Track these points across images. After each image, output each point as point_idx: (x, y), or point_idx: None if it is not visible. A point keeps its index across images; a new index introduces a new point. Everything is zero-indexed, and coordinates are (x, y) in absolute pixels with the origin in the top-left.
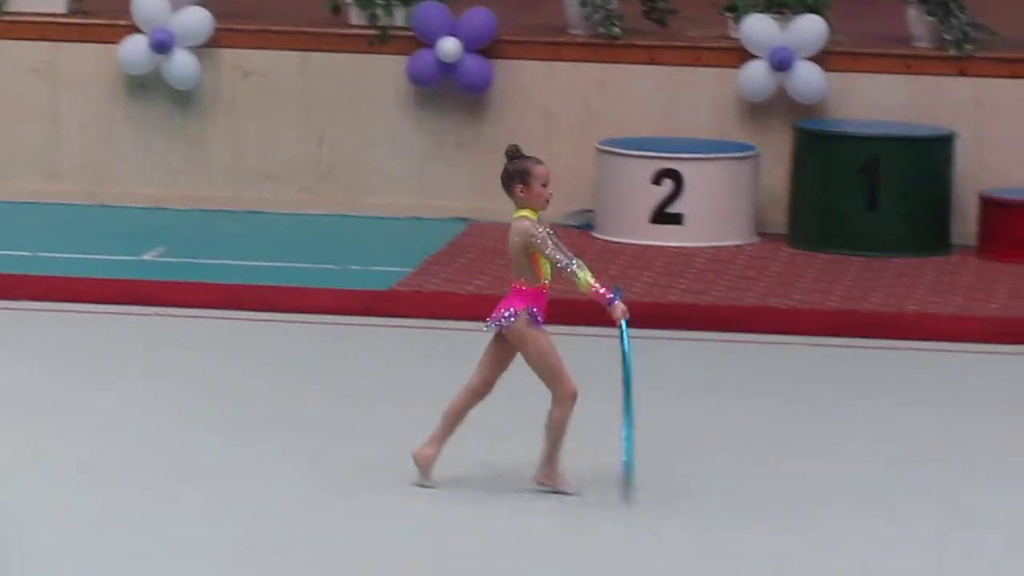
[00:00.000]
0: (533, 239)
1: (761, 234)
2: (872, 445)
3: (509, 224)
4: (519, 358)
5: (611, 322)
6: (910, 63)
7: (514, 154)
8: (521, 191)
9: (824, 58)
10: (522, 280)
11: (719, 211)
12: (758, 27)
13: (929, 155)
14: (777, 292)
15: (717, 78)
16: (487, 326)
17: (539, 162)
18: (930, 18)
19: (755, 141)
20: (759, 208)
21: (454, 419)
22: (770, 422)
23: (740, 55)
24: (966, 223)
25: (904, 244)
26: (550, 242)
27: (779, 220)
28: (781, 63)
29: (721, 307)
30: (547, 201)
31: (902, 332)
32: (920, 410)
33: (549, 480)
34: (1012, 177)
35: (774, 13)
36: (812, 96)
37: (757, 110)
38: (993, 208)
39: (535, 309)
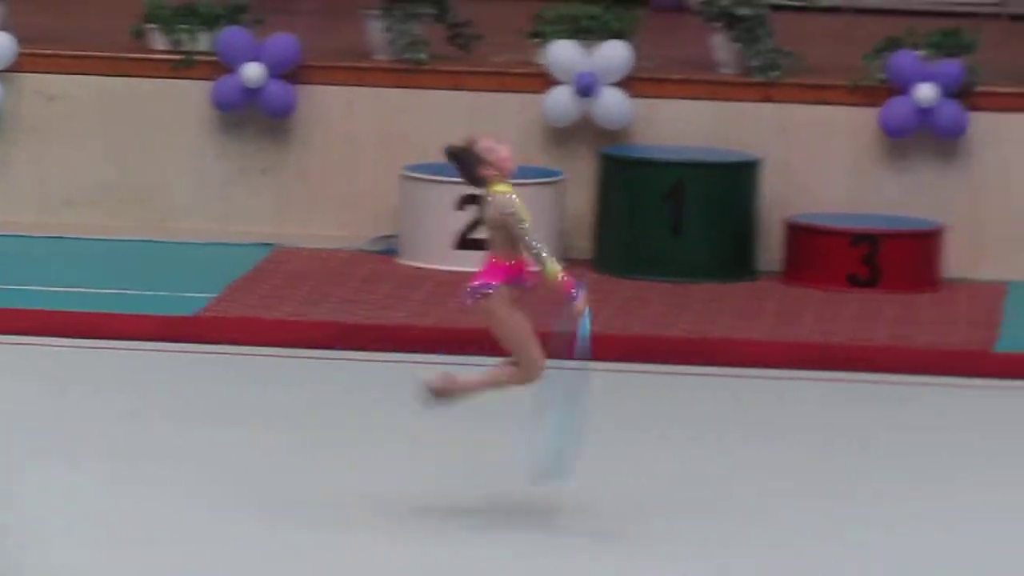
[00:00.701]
0: (510, 214)
1: (566, 260)
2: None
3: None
4: None
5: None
6: (715, 89)
7: (454, 152)
8: (486, 171)
9: (629, 84)
10: (498, 253)
11: None
12: (563, 53)
13: (734, 181)
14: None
15: (522, 104)
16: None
17: (475, 140)
18: (736, 44)
19: (561, 167)
20: (564, 234)
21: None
22: None
23: (545, 81)
24: (772, 249)
25: (710, 270)
26: (527, 221)
27: (584, 246)
28: (586, 89)
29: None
30: (510, 160)
31: (708, 358)
32: (721, 436)
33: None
34: (818, 203)
35: (579, 39)
36: (617, 122)
37: (562, 136)
38: (799, 234)
39: (507, 282)
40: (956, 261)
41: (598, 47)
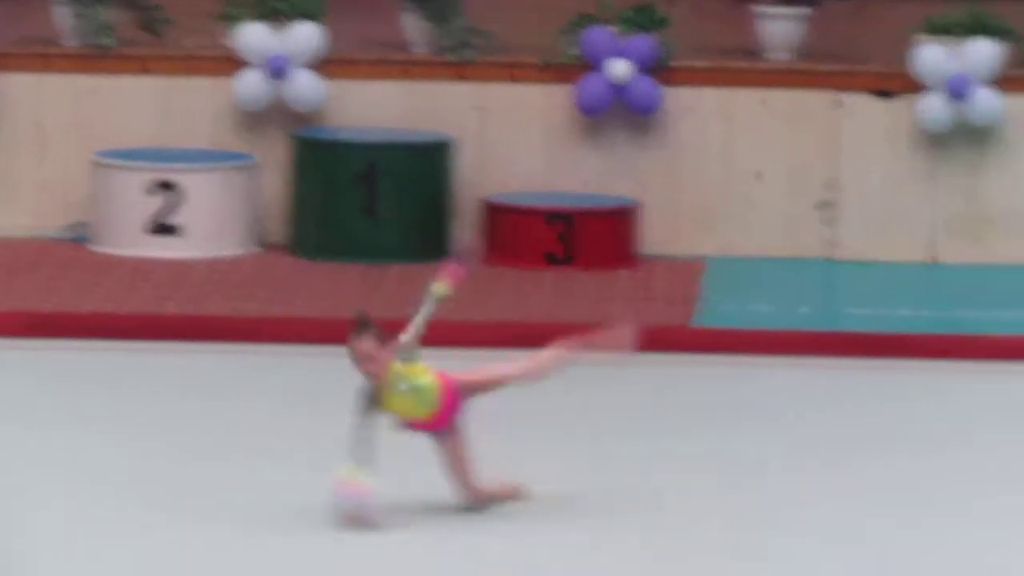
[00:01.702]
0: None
1: (261, 244)
2: None
3: None
4: None
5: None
6: (408, 69)
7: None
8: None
9: (321, 65)
10: None
11: (217, 221)
12: (253, 35)
13: (428, 162)
14: (279, 301)
15: (213, 87)
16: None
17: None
18: (427, 23)
19: (253, 150)
20: (259, 218)
21: None
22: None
23: (236, 64)
24: (468, 229)
25: (404, 251)
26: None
27: (279, 230)
28: (277, 71)
29: (221, 317)
30: (369, 364)
31: None
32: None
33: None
34: (513, 182)
35: (270, 21)
36: (309, 104)
37: (254, 119)
38: (494, 213)
39: None
40: (653, 237)
41: (288, 29)
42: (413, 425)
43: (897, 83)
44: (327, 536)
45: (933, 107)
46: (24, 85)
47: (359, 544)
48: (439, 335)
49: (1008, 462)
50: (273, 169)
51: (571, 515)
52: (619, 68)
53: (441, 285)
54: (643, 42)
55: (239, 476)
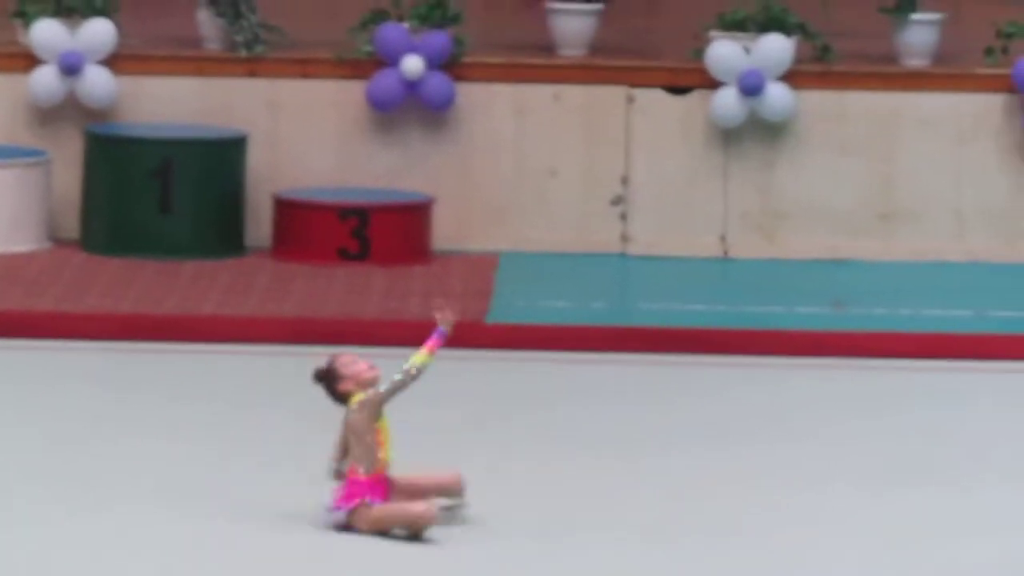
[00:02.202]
0: (373, 400)
1: (54, 240)
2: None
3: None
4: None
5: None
6: (201, 65)
7: (318, 375)
8: (345, 386)
9: (114, 61)
10: (357, 467)
11: (10, 217)
12: (47, 32)
13: (221, 157)
14: (71, 297)
15: (7, 84)
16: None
17: (334, 359)
18: (220, 20)
19: (47, 146)
20: (51, 214)
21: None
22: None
23: (29, 60)
24: (262, 225)
25: (198, 247)
26: (382, 388)
27: (72, 226)
28: (70, 68)
29: (14, 313)
30: (367, 372)
31: (197, 335)
32: (216, 412)
33: None
34: (307, 177)
35: (63, 17)
36: (102, 100)
37: (48, 115)
38: (286, 209)
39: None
40: (447, 233)
41: (82, 25)
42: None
43: (690, 78)
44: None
45: (726, 102)
46: None
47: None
48: (233, 330)
49: (800, 456)
50: (67, 165)
51: None
52: (412, 64)
53: (423, 356)
54: (436, 38)
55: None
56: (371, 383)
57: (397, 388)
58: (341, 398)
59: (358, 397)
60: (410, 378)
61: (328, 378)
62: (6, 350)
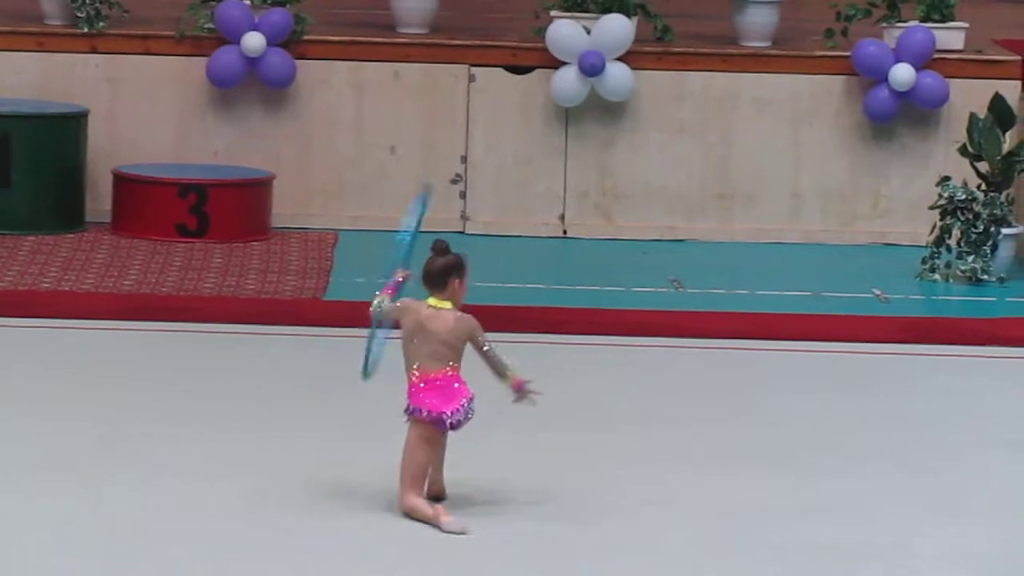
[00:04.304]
0: (478, 330)
1: None
2: None
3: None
4: None
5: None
6: (42, 40)
7: (444, 249)
8: (458, 285)
9: None
10: (449, 365)
11: None
12: None
13: (61, 132)
14: None
15: None
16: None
17: (465, 260)
18: None
19: None
20: None
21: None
22: None
23: None
24: (102, 200)
25: (38, 222)
26: (487, 343)
27: None
28: None
29: None
30: (462, 296)
31: (36, 310)
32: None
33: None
34: (144, 153)
35: None
36: None
37: None
38: (125, 185)
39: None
40: (286, 210)
41: None
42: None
43: (530, 58)
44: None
45: (566, 82)
46: None
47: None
48: (71, 306)
49: (639, 437)
50: None
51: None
52: (252, 41)
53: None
54: (276, 15)
55: None
56: (460, 303)
57: (487, 356)
58: (439, 282)
59: (449, 306)
60: (492, 362)
61: (455, 265)
62: None
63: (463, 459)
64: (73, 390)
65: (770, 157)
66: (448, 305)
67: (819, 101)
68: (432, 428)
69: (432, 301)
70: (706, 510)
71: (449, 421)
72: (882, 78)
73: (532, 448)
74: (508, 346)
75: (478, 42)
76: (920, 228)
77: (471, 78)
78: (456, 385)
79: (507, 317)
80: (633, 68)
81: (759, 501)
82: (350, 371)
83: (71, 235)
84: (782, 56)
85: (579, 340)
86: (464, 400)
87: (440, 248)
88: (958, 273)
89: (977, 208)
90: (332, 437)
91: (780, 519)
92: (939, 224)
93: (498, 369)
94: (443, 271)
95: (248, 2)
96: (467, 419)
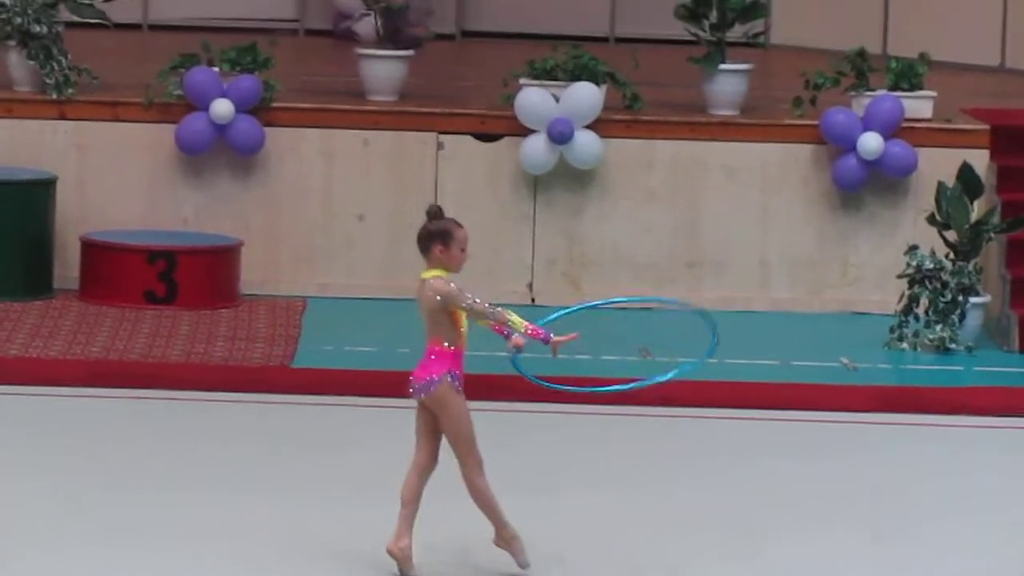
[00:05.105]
0: (453, 296)
1: None
2: None
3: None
4: None
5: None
6: (11, 107)
7: (436, 214)
8: (440, 252)
9: None
10: (440, 340)
11: None
12: None
13: (29, 199)
14: None
15: None
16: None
17: (460, 225)
18: (31, 62)
19: None
20: None
21: (413, 502)
22: None
23: None
24: (70, 267)
25: (5, 288)
26: (467, 295)
27: None
28: None
29: None
30: (461, 265)
31: (4, 377)
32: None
33: (504, 544)
34: (112, 220)
35: None
36: None
37: None
38: (93, 251)
39: (455, 372)
40: (254, 277)
41: None
42: None
43: (499, 125)
44: None
45: (534, 149)
46: None
47: None
48: (34, 373)
49: (606, 503)
50: None
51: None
52: (221, 108)
53: (517, 320)
54: (245, 82)
55: None
56: (456, 270)
57: (473, 310)
58: (424, 249)
59: (438, 273)
60: (489, 315)
61: (440, 231)
62: None
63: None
64: (37, 454)
65: (739, 225)
66: (436, 274)
67: (787, 169)
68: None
69: (424, 272)
70: (663, 572)
71: (410, 387)
72: (850, 147)
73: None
74: (475, 414)
75: (447, 109)
76: (889, 297)
77: (439, 145)
78: (432, 357)
79: (476, 384)
80: (602, 136)
81: (715, 565)
82: (318, 437)
83: (39, 301)
84: (751, 124)
85: (544, 408)
86: (430, 375)
87: (431, 212)
88: (926, 342)
89: (945, 277)
90: (298, 500)
91: None
92: (907, 293)
93: (495, 321)
94: (426, 236)
95: (217, 69)
96: (422, 394)
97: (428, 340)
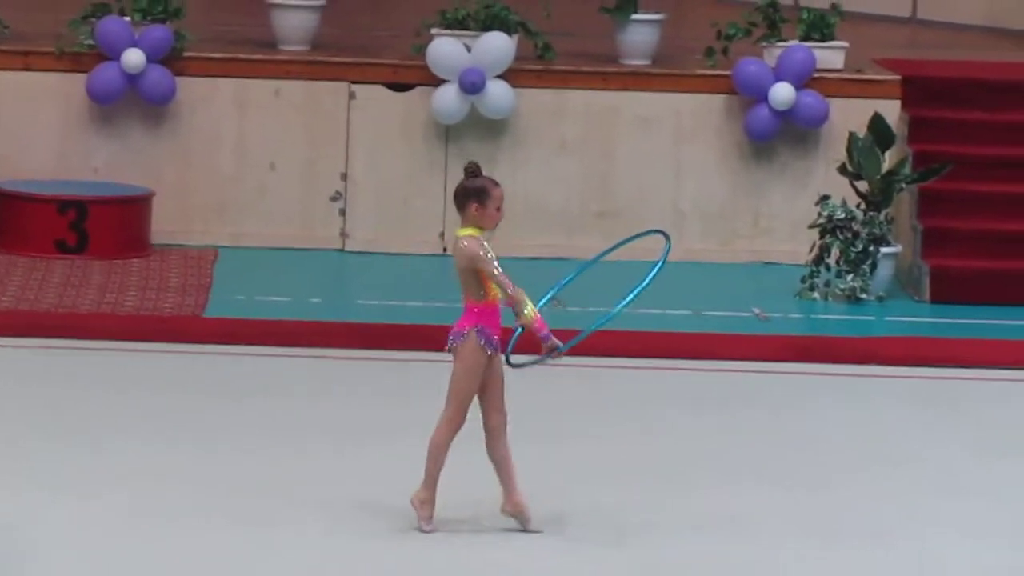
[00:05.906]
0: (481, 261)
1: None
2: None
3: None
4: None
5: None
6: None
7: (474, 171)
8: (476, 210)
9: None
10: (472, 296)
11: None
12: None
13: None
14: None
15: None
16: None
17: (496, 184)
18: None
19: None
20: None
21: (503, 462)
22: None
23: None
24: None
25: None
26: (496, 263)
27: None
28: None
29: None
30: (496, 224)
31: None
32: None
33: (418, 505)
34: (23, 170)
35: None
36: None
37: None
38: (4, 201)
39: (486, 327)
40: (167, 227)
41: None
42: None
43: (411, 75)
44: None
45: (446, 99)
46: None
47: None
48: None
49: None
50: None
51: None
52: (132, 58)
53: (529, 308)
54: (157, 32)
55: None
56: (491, 228)
57: (495, 279)
58: (461, 206)
59: (471, 231)
60: (508, 291)
61: (477, 188)
62: None
63: (344, 473)
64: None
65: (651, 175)
66: (470, 232)
67: (700, 120)
68: None
69: (458, 229)
70: (579, 526)
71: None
72: (762, 97)
73: (408, 456)
74: (385, 364)
75: (359, 59)
76: (800, 247)
77: (351, 95)
78: (466, 313)
79: (386, 333)
80: (514, 86)
81: (634, 515)
82: (231, 386)
83: None
84: (663, 75)
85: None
86: (461, 328)
87: (469, 170)
88: (837, 292)
89: (856, 227)
90: (214, 448)
91: (652, 532)
92: (818, 243)
93: (508, 299)
94: (463, 194)
95: (128, 19)
96: (450, 347)
97: (463, 296)
